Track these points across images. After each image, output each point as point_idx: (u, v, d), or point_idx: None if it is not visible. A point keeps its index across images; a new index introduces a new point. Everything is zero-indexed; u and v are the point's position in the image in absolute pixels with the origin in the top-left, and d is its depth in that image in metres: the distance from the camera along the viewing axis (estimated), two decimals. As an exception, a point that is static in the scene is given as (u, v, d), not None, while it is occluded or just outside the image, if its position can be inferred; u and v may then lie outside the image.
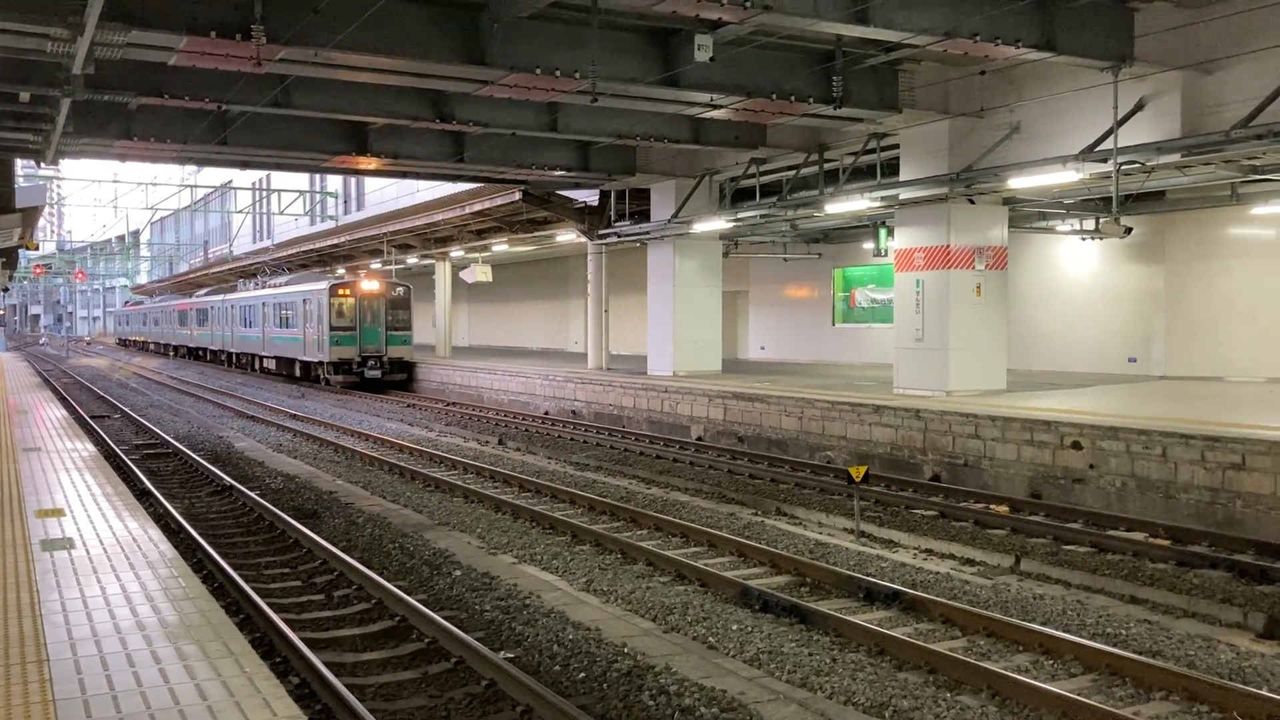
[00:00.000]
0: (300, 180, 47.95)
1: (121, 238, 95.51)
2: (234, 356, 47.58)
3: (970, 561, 10.97)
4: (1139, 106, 14.62)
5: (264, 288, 43.02)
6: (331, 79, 15.68)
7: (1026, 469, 14.29)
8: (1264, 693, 6.76)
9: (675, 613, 8.92)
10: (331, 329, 34.00)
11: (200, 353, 56.16)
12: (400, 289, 35.77)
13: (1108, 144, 14.41)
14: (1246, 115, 13.15)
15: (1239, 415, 14.16)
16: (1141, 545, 11.11)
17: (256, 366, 43.79)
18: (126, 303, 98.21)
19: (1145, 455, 12.82)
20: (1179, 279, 22.12)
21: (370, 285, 35.14)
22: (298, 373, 37.73)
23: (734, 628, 8.48)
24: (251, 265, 52.36)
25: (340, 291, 34.66)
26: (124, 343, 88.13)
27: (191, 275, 70.82)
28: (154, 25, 12.00)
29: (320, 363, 35.09)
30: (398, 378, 35.03)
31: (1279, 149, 13.30)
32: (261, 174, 49.26)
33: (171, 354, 64.36)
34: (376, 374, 34.34)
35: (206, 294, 55.46)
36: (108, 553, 7.69)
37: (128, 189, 59.22)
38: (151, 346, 72.73)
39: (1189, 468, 12.35)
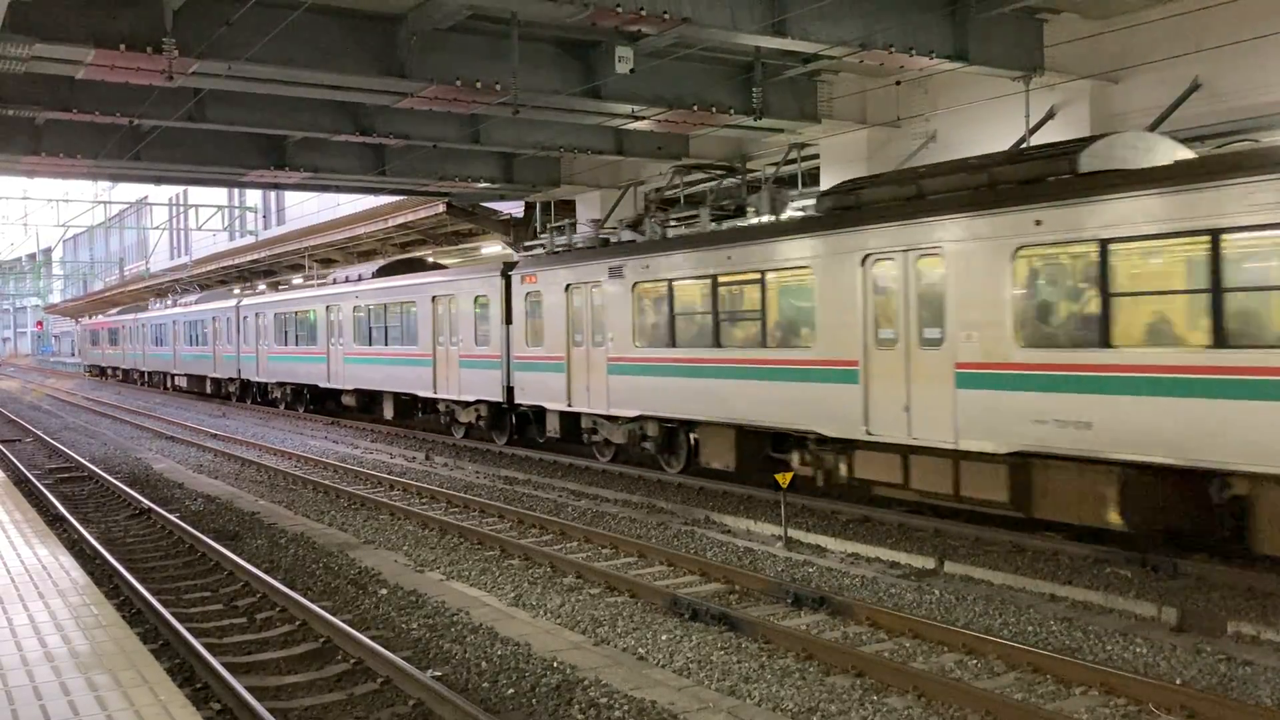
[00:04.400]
0: (219, 195, 47.04)
1: (32, 255, 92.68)
2: (535, 416, 19.51)
3: (895, 564, 11.11)
4: (1050, 115, 14.99)
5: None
6: (247, 92, 15.43)
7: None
8: (1177, 685, 6.95)
9: (605, 625, 8.89)
10: None
11: (341, 400, 27.52)
12: None
13: (1020, 152, 14.74)
14: (1151, 123, 13.56)
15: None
16: (1060, 543, 11.33)
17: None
18: (59, 311, 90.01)
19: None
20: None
21: None
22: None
23: (664, 638, 8.48)
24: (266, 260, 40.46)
25: None
26: (101, 370, 61.70)
27: (137, 287, 65.53)
28: (59, 38, 11.72)
29: None
30: None
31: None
32: (178, 189, 48.16)
33: (251, 398, 34.68)
34: None
35: (378, 274, 25.85)
36: (15, 582, 7.44)
37: (38, 205, 57.45)
38: (177, 380, 43.06)
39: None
